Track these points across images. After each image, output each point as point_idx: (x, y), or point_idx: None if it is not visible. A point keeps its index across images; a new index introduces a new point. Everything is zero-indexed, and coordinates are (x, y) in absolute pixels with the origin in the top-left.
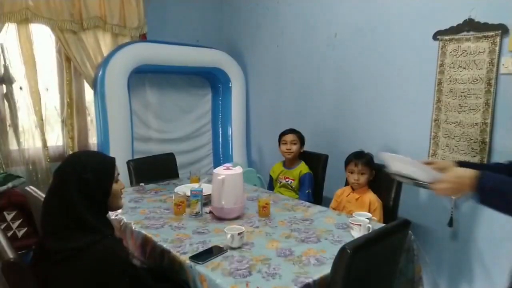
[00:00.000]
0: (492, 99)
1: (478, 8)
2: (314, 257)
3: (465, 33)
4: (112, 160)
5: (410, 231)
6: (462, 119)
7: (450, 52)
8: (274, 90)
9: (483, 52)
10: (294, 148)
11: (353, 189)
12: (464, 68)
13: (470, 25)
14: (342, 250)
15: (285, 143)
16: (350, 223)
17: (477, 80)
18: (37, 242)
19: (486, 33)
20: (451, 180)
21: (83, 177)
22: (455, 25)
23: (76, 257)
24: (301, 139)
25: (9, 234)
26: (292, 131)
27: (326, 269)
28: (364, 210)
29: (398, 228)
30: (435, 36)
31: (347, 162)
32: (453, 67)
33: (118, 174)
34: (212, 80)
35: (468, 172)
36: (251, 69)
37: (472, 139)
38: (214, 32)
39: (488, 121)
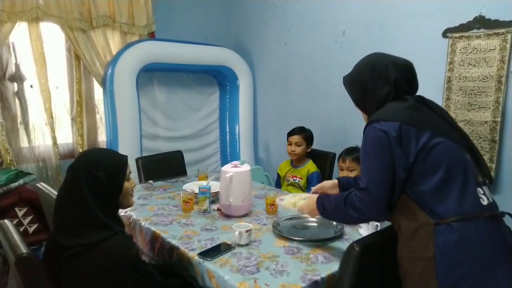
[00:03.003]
0: (502, 97)
1: (489, 5)
2: (322, 255)
3: (475, 30)
4: (125, 158)
5: None
6: (472, 117)
7: (460, 50)
8: (281, 88)
9: (494, 49)
10: (298, 150)
11: None
12: (474, 65)
13: (480, 22)
14: (351, 247)
15: (290, 144)
16: None
17: (487, 78)
18: (48, 237)
19: (497, 30)
20: (305, 208)
21: (96, 175)
22: (465, 22)
23: (87, 253)
24: (307, 139)
25: (21, 230)
26: (299, 131)
27: (334, 267)
28: None
29: None
30: (444, 34)
31: (338, 158)
32: (463, 65)
33: (130, 172)
34: (220, 78)
35: (313, 199)
36: (258, 67)
37: (481, 138)
38: (222, 30)
39: (498, 119)
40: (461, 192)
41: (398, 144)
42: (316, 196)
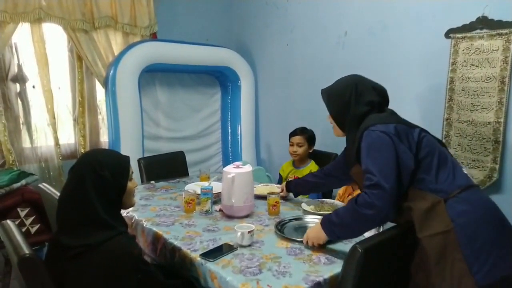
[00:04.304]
0: (505, 98)
1: (492, 6)
2: (324, 256)
3: (478, 31)
4: (127, 158)
5: None
6: (475, 118)
7: (463, 50)
8: (283, 89)
9: (497, 50)
10: (300, 150)
11: (353, 189)
12: (477, 66)
13: (483, 23)
14: (354, 249)
15: (292, 145)
16: None
17: (490, 78)
18: (51, 238)
19: (500, 31)
20: (311, 234)
21: (99, 175)
22: (468, 22)
23: (90, 253)
24: (309, 140)
25: (23, 230)
26: (301, 131)
27: (336, 268)
28: None
29: (409, 228)
30: (447, 34)
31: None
32: (466, 65)
33: (132, 172)
34: (222, 78)
35: (318, 225)
36: (260, 68)
37: (484, 138)
38: (224, 31)
39: (502, 120)
40: (454, 171)
41: (399, 141)
42: (318, 222)
